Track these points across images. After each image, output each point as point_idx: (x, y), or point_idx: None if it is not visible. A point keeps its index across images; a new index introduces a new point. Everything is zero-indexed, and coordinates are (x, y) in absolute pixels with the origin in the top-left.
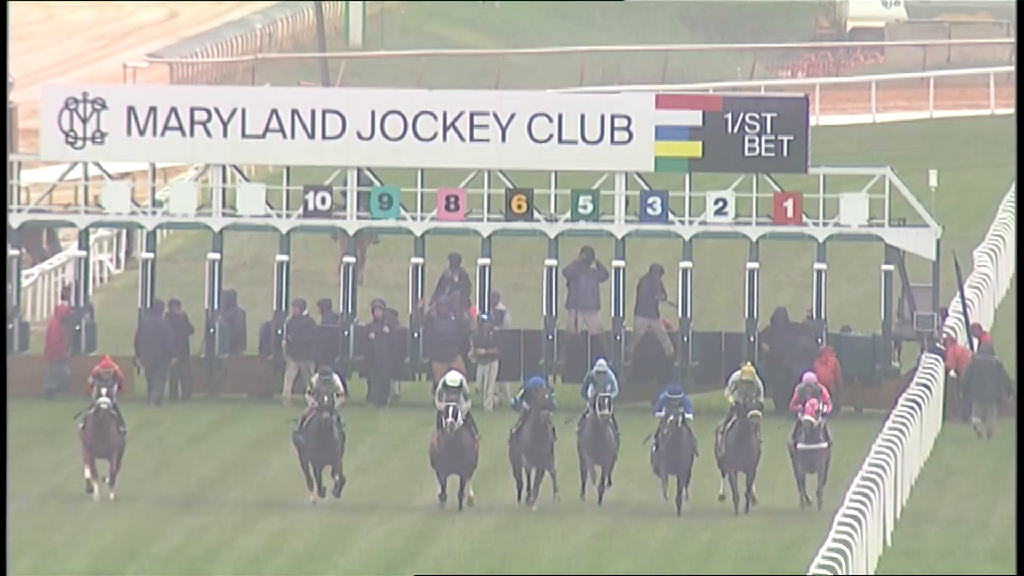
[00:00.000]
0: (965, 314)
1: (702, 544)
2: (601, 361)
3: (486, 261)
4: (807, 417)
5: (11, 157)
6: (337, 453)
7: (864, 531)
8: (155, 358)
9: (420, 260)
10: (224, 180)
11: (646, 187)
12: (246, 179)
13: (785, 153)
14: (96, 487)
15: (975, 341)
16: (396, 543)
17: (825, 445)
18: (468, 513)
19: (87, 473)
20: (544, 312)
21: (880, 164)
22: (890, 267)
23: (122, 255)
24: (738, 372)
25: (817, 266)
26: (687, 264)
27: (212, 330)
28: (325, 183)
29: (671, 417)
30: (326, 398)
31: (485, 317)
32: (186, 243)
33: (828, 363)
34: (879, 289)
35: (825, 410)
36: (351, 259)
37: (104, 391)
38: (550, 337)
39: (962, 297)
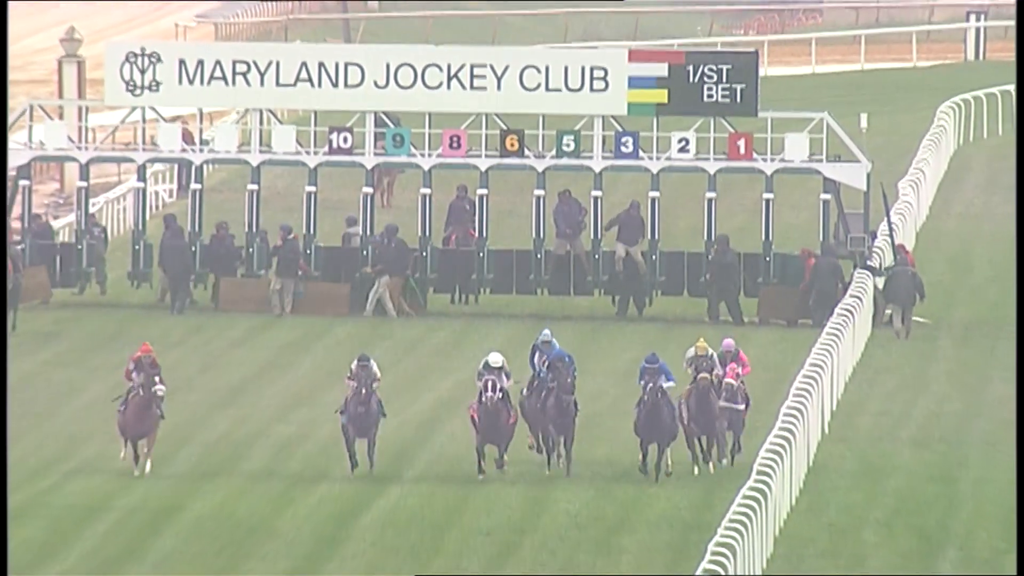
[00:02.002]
0: (891, 235)
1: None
2: (546, 331)
3: (484, 191)
4: (728, 380)
5: (79, 103)
6: (371, 428)
7: (806, 421)
8: (177, 274)
9: (428, 190)
10: (261, 122)
11: (620, 128)
12: (279, 121)
13: (738, 99)
14: (130, 459)
15: (897, 255)
16: (408, 431)
17: (743, 407)
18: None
19: (123, 453)
20: (533, 235)
21: (819, 109)
22: (827, 196)
23: (174, 186)
24: (693, 348)
25: (765, 196)
26: (655, 194)
27: (251, 249)
28: (347, 125)
29: (650, 385)
30: (364, 390)
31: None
32: (228, 176)
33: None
34: (818, 215)
35: (743, 372)
36: (368, 189)
37: (157, 379)
38: (539, 256)
39: (888, 221)
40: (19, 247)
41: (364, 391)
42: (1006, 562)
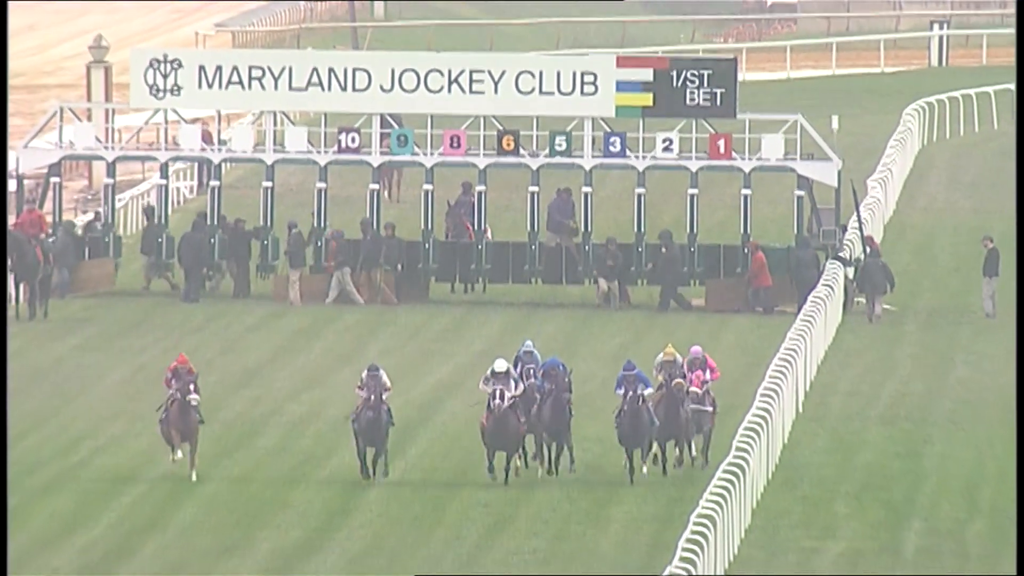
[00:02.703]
0: (860, 228)
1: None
2: (528, 342)
3: (482, 188)
4: (693, 388)
5: (106, 105)
6: (382, 441)
7: (781, 401)
8: (192, 264)
9: (430, 187)
10: (275, 124)
11: (608, 129)
12: (292, 123)
13: (718, 102)
14: (181, 455)
15: (867, 248)
16: (411, 411)
17: (710, 409)
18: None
19: (174, 456)
20: (528, 228)
21: (793, 111)
22: (801, 193)
23: (195, 183)
24: (661, 354)
25: (744, 192)
26: (641, 190)
27: (265, 242)
28: (355, 126)
29: (630, 393)
30: (372, 398)
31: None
32: (245, 173)
33: (764, 267)
34: (793, 210)
35: (711, 378)
36: (375, 186)
37: (192, 387)
38: (533, 248)
39: (858, 216)
40: (50, 239)
41: (372, 398)
42: (967, 532)
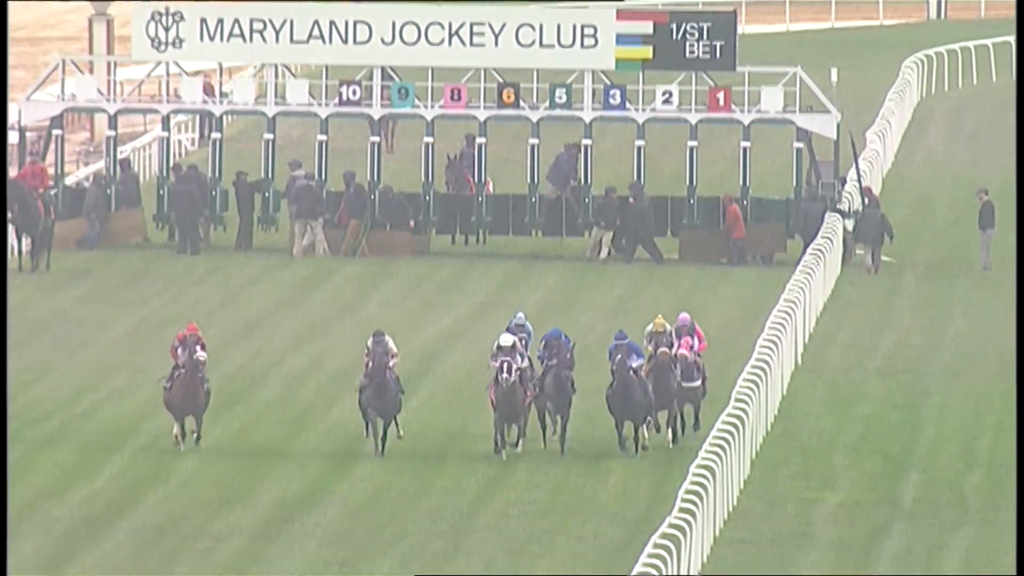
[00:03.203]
0: (859, 181)
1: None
2: (520, 315)
3: (482, 140)
4: (682, 351)
5: (108, 58)
6: (389, 408)
7: (780, 353)
8: (186, 216)
9: (431, 139)
10: (276, 76)
11: (608, 82)
12: (293, 75)
13: (718, 55)
14: (183, 443)
15: (867, 199)
16: (412, 363)
17: (699, 383)
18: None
19: (175, 430)
20: (528, 180)
21: (792, 64)
22: (800, 145)
23: (196, 136)
24: (651, 325)
25: (743, 144)
26: (640, 143)
27: (267, 194)
28: (356, 78)
29: (619, 357)
30: (372, 363)
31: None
32: (246, 126)
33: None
34: (791, 162)
35: (699, 347)
36: (376, 138)
37: (199, 348)
38: (533, 200)
39: (857, 168)
40: (52, 192)
41: (372, 364)
42: (966, 483)
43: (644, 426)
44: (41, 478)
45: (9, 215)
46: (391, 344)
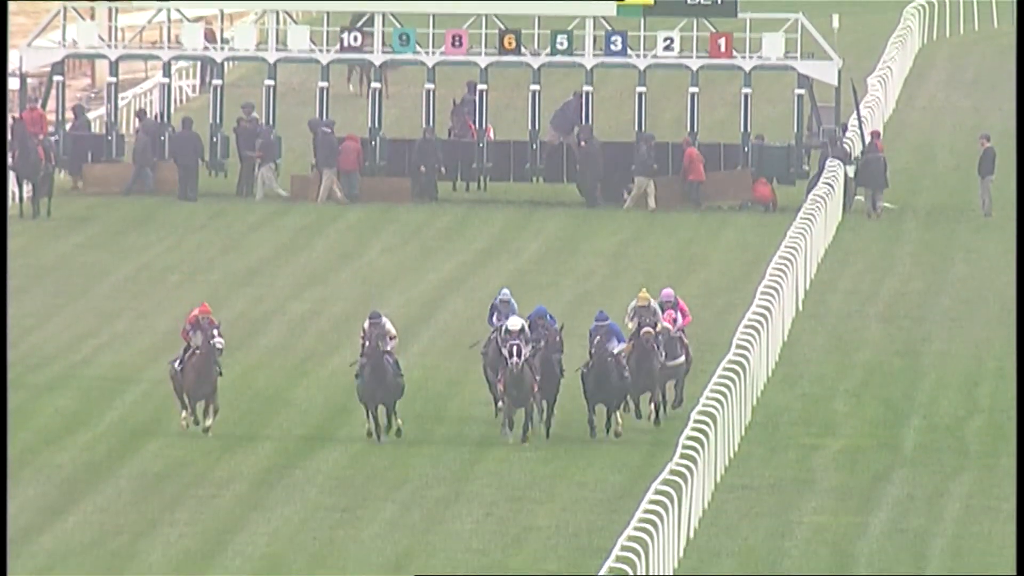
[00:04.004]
0: (860, 127)
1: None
2: (505, 291)
3: (483, 87)
4: (664, 324)
5: (109, 4)
6: (389, 394)
7: (781, 299)
8: (187, 163)
9: (432, 86)
10: (277, 22)
11: (609, 28)
12: (295, 22)
13: (719, 1)
14: (191, 425)
15: (869, 144)
16: (413, 309)
17: (682, 359)
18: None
19: (183, 414)
20: (529, 127)
21: (794, 10)
22: (801, 91)
23: (197, 82)
24: (635, 300)
25: (744, 91)
26: (642, 89)
27: (269, 139)
28: (357, 25)
29: (597, 338)
30: (367, 343)
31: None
32: (247, 72)
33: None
34: (792, 109)
35: (683, 322)
36: (377, 84)
37: (216, 332)
38: (534, 147)
39: (858, 114)
40: (53, 138)
41: (368, 344)
42: (966, 428)
43: (618, 412)
44: (42, 424)
45: (9, 161)
46: (389, 326)
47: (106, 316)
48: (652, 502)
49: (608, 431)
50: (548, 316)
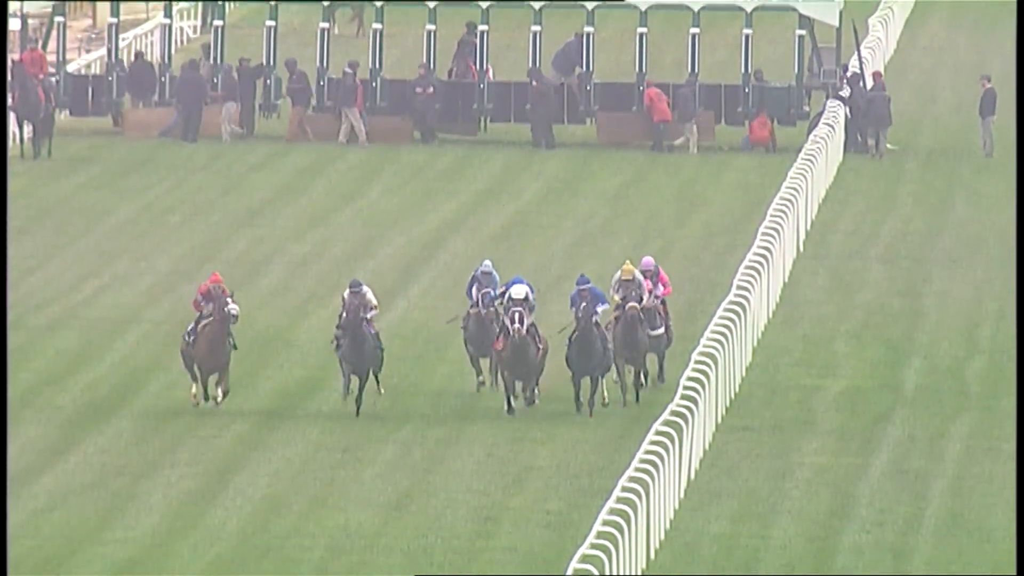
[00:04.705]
0: (861, 68)
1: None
2: (487, 262)
3: (484, 28)
4: (632, 304)
5: None
6: (367, 365)
7: (782, 239)
8: (190, 104)
9: (432, 27)
10: None
11: None
12: None
13: None
14: (201, 400)
15: (872, 81)
16: (414, 250)
17: (662, 330)
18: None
19: (193, 389)
20: (529, 67)
21: None
22: (802, 32)
23: (198, 23)
24: (618, 272)
25: (745, 31)
26: (643, 30)
27: (269, 81)
28: None
29: (583, 304)
30: (347, 315)
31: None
32: (248, 13)
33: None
34: (793, 49)
35: (662, 293)
36: (378, 25)
37: (230, 300)
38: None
39: (859, 55)
40: (54, 79)
41: (347, 316)
42: (967, 369)
43: (603, 381)
44: (43, 364)
45: (9, 102)
46: (370, 295)
47: (107, 257)
48: (653, 443)
49: (593, 404)
50: (527, 288)
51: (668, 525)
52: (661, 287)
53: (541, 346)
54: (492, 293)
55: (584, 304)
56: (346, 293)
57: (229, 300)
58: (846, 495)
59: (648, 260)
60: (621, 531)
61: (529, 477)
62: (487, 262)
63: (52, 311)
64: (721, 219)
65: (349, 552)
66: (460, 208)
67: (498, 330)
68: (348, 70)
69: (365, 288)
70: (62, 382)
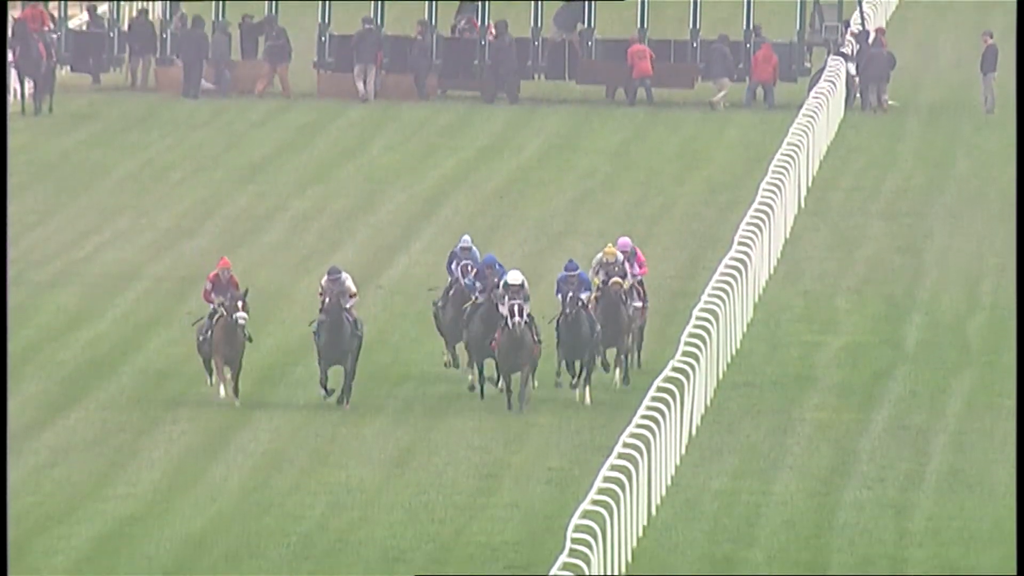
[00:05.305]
0: (863, 24)
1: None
2: (466, 237)
3: None
4: (615, 279)
5: None
6: (346, 355)
7: (783, 196)
8: (192, 60)
9: None
10: None
11: None
12: None
13: None
14: (223, 389)
15: (871, 37)
16: (415, 206)
17: (640, 304)
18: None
19: (214, 378)
20: (531, 24)
21: None
22: None
23: None
24: (600, 254)
25: None
26: None
27: (269, 39)
28: None
29: (571, 294)
30: (328, 299)
31: None
32: None
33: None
34: (795, 4)
35: (639, 272)
36: None
37: (240, 305)
38: (536, 44)
39: (861, 11)
40: (54, 35)
41: (328, 300)
42: (968, 325)
43: (590, 365)
44: (45, 321)
45: (10, 58)
46: (349, 283)
47: (108, 213)
48: (654, 399)
49: (581, 388)
50: (497, 265)
51: (669, 481)
52: (638, 267)
53: (538, 339)
54: (469, 281)
55: (571, 293)
56: (324, 280)
57: (240, 304)
58: (847, 451)
59: (625, 240)
60: (622, 487)
61: (530, 434)
62: (466, 237)
63: (53, 267)
64: (722, 176)
65: (350, 508)
66: (461, 164)
67: (469, 312)
68: (367, 25)
69: (344, 275)
70: (63, 338)
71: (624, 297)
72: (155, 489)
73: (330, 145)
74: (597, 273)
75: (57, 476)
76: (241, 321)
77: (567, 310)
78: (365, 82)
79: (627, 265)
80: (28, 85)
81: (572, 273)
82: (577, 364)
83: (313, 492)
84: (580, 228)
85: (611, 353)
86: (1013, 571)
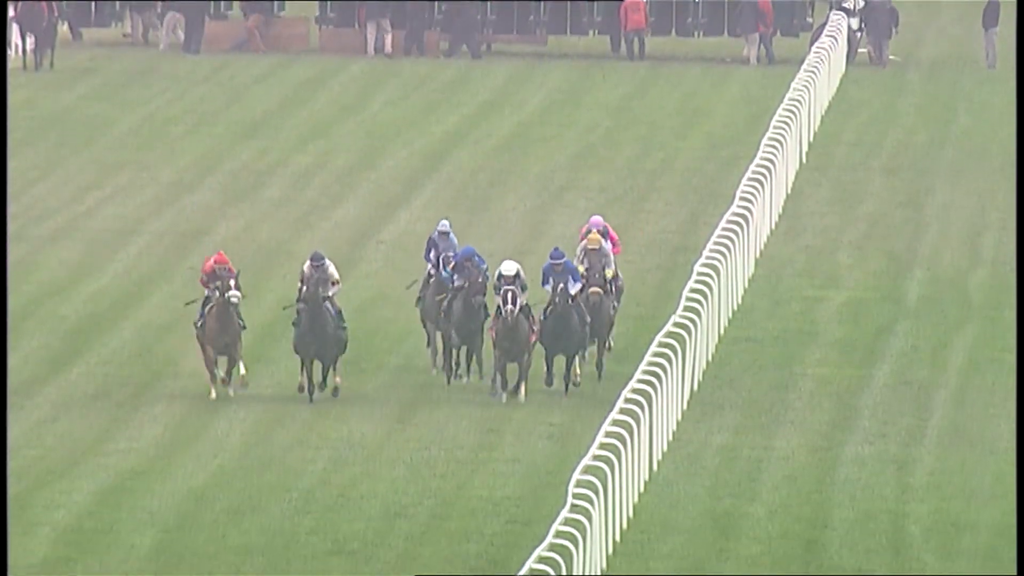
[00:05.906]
0: None
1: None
2: (444, 222)
3: None
4: (594, 289)
5: None
6: (327, 348)
7: (785, 151)
8: (193, 14)
9: None
10: None
11: None
12: None
13: None
14: (215, 390)
15: None
16: (417, 161)
17: (614, 306)
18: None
19: (207, 376)
20: None
21: None
22: None
23: None
24: (584, 241)
25: None
26: None
27: None
28: None
29: (560, 286)
30: (306, 288)
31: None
32: None
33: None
34: None
35: (610, 250)
36: None
37: (232, 283)
38: None
39: None
40: None
41: (306, 290)
42: (969, 280)
43: (577, 360)
44: (46, 276)
45: (12, 13)
46: (332, 270)
47: (109, 168)
48: (656, 355)
49: (567, 384)
50: (476, 257)
51: (671, 436)
52: (610, 244)
53: (536, 328)
54: (447, 273)
55: (561, 286)
56: (306, 266)
57: (232, 283)
58: (848, 406)
59: (597, 219)
60: (624, 442)
61: (531, 389)
62: (444, 222)
63: (54, 222)
64: (724, 131)
65: (352, 463)
66: (463, 120)
67: (449, 299)
68: None
69: (327, 261)
70: (64, 293)
71: (603, 303)
72: (156, 444)
73: (331, 101)
74: (582, 261)
75: (59, 431)
76: (234, 299)
77: (557, 300)
78: (377, 39)
79: (611, 254)
80: (29, 40)
81: (558, 262)
82: (562, 359)
83: (315, 447)
84: (581, 183)
85: (592, 348)
86: (1013, 525)
